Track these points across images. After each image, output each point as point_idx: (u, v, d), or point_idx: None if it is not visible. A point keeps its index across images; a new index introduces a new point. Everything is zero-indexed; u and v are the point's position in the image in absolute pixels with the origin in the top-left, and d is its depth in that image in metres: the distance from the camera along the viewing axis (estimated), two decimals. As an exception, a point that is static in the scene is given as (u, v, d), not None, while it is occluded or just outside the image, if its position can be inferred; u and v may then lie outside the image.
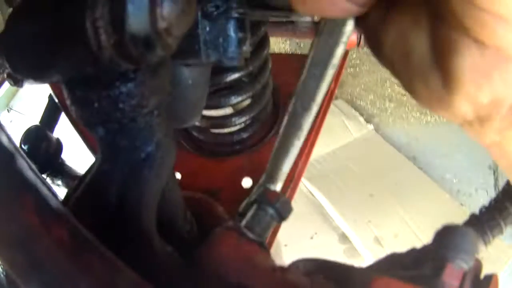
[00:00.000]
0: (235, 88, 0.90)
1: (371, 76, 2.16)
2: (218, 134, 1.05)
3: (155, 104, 0.41)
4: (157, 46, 0.32)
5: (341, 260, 0.46)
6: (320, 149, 1.92)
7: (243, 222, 0.46)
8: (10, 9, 0.72)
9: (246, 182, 0.97)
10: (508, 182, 0.62)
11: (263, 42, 0.86)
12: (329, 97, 1.04)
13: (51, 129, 1.08)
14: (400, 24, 0.31)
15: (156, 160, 0.43)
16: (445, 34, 0.28)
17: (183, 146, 1.05)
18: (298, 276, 0.41)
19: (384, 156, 1.95)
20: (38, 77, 0.41)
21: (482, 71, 0.28)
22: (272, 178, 0.53)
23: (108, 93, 0.38)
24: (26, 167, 0.31)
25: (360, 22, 0.35)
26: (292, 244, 1.64)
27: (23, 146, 0.99)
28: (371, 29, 0.34)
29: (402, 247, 0.47)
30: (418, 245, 0.46)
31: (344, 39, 0.48)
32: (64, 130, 1.09)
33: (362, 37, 0.96)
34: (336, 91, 1.11)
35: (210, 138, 1.05)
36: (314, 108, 0.51)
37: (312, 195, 1.79)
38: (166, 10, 0.31)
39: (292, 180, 0.90)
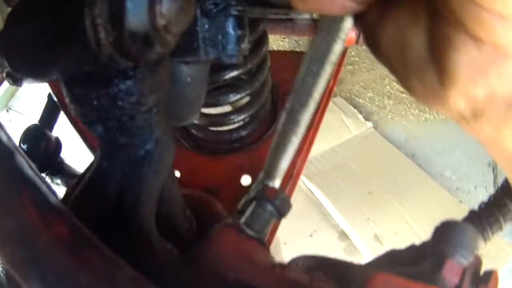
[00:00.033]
0: (234, 85, 0.90)
1: (370, 73, 2.16)
2: (217, 132, 1.04)
3: (154, 101, 0.41)
4: (156, 43, 0.32)
5: (341, 258, 0.46)
6: (319, 146, 1.92)
7: (242, 219, 0.46)
8: (9, 9, 0.72)
9: (245, 180, 0.97)
10: (507, 179, 0.62)
11: (262, 40, 0.85)
12: (328, 94, 1.04)
13: (50, 128, 1.08)
14: (397, 21, 0.31)
15: (155, 158, 0.43)
16: (443, 31, 0.28)
17: (182, 144, 1.05)
18: (298, 273, 0.41)
19: (383, 154, 1.95)
20: (38, 76, 0.41)
21: (479, 67, 0.28)
22: (270, 175, 0.52)
23: (107, 91, 0.38)
24: (25, 164, 0.31)
25: (358, 19, 0.35)
26: (291, 242, 1.64)
27: (22, 145, 0.99)
28: (369, 26, 0.34)
29: (401, 244, 0.47)
30: (418, 242, 0.46)
31: (342, 35, 0.48)
32: (63, 129, 1.09)
33: (361, 34, 0.96)
34: (335, 88, 1.11)
35: (209, 136, 1.05)
36: (312, 105, 0.51)
37: (311, 192, 1.79)
38: (165, 7, 0.31)
39: (291, 177, 0.90)
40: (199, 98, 0.68)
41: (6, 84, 0.89)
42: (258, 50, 0.85)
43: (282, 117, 0.52)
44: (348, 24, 0.48)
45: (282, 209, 0.47)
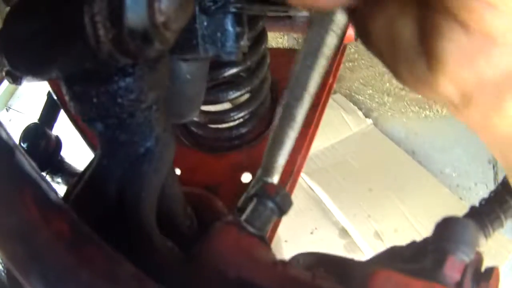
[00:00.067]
0: (233, 83, 0.90)
1: (369, 70, 2.16)
2: (217, 129, 1.04)
3: (154, 99, 0.41)
4: (155, 40, 0.32)
5: (342, 255, 0.46)
6: (319, 143, 1.92)
7: (243, 217, 0.46)
8: (8, 8, 0.72)
9: (245, 177, 0.97)
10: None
11: (261, 37, 0.85)
12: (328, 91, 1.04)
13: (50, 126, 1.08)
14: (387, 12, 0.32)
15: (155, 155, 0.43)
16: (432, 19, 0.29)
17: (182, 141, 1.05)
18: (299, 270, 0.41)
19: (383, 151, 1.95)
20: (37, 74, 0.41)
21: (468, 54, 0.29)
22: (268, 171, 0.52)
23: (106, 88, 0.38)
24: (26, 162, 0.31)
25: (350, 11, 0.36)
26: (292, 239, 1.64)
27: (22, 144, 0.99)
28: (360, 17, 0.35)
29: (402, 242, 0.47)
30: (418, 239, 0.46)
31: (335, 28, 0.48)
32: (63, 128, 1.09)
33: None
34: (335, 85, 1.10)
35: (209, 133, 1.05)
36: (307, 99, 0.51)
37: (312, 190, 1.79)
38: (164, 4, 0.31)
39: (291, 175, 0.90)
40: (198, 95, 0.68)
41: (5, 83, 0.89)
42: (257, 47, 0.85)
43: (278, 113, 0.52)
44: (341, 17, 0.48)
45: (283, 206, 0.47)
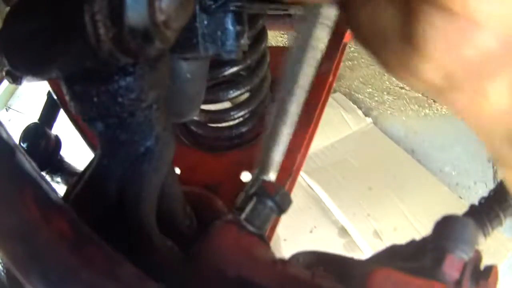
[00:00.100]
0: (233, 81, 0.89)
1: (369, 69, 2.16)
2: (217, 128, 1.04)
3: (154, 98, 0.41)
4: (156, 39, 0.32)
5: (341, 254, 0.46)
6: (318, 142, 1.92)
7: (243, 215, 0.46)
8: (8, 8, 0.72)
9: (245, 176, 0.97)
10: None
11: (261, 36, 0.85)
12: (327, 90, 1.04)
13: (50, 126, 1.08)
14: (375, 3, 0.33)
15: (155, 154, 0.43)
16: (416, 5, 0.30)
17: (182, 141, 1.05)
18: (299, 269, 0.41)
19: (382, 149, 1.95)
20: (37, 73, 0.41)
21: (452, 39, 0.29)
22: (265, 168, 0.52)
23: (107, 88, 0.38)
24: (26, 161, 0.31)
25: (340, 2, 0.36)
26: (291, 238, 1.64)
27: (22, 144, 0.99)
28: (349, 8, 0.35)
29: (401, 240, 0.47)
30: (417, 237, 0.46)
31: (324, 21, 0.48)
32: (63, 127, 1.09)
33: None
34: (334, 84, 1.10)
35: (208, 132, 1.05)
36: (299, 92, 0.51)
37: (311, 188, 1.79)
38: (164, 3, 0.31)
39: (291, 173, 0.90)
40: (198, 94, 0.68)
41: (5, 83, 0.89)
42: (257, 46, 0.85)
43: (272, 109, 0.52)
44: (329, 11, 0.48)
45: (283, 205, 0.47)
